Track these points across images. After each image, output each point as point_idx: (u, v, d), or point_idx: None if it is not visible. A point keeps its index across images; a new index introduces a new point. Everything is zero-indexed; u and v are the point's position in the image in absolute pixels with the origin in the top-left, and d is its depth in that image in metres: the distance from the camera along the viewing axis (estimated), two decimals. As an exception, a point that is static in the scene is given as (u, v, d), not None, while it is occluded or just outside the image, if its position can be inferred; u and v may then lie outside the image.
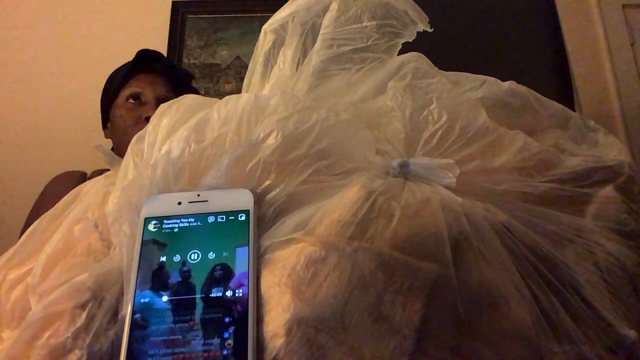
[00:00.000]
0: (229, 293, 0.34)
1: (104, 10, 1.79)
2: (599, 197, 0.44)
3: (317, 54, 0.51)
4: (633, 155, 0.49)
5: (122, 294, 0.37)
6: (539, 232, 0.40)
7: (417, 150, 0.44)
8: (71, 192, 0.54)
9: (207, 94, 1.68)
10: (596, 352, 0.35)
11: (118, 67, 1.11)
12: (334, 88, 0.51)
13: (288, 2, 0.55)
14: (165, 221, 0.38)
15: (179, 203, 0.39)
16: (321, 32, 0.51)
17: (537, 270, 0.38)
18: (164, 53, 1.38)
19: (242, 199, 0.39)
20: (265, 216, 0.39)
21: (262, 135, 0.40)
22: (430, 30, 0.52)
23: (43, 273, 0.41)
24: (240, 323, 0.33)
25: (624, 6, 1.73)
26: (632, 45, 1.69)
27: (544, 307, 0.36)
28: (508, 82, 0.52)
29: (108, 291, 0.38)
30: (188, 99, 0.48)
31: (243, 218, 0.38)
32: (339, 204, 0.38)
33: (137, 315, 0.34)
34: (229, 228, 0.38)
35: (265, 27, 0.56)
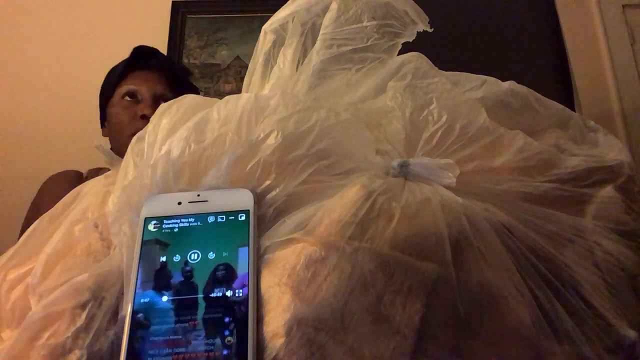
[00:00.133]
0: (229, 293, 0.34)
1: (104, 10, 1.79)
2: (599, 197, 0.44)
3: (317, 54, 0.51)
4: (633, 155, 0.49)
5: (122, 294, 0.37)
6: (539, 232, 0.40)
7: (417, 150, 0.44)
8: (71, 192, 0.54)
9: (207, 94, 1.68)
10: (596, 352, 0.35)
11: (115, 64, 1.11)
12: (334, 88, 0.51)
13: (288, 2, 0.55)
14: (165, 221, 0.38)
15: (179, 203, 0.39)
16: (321, 32, 0.51)
17: (537, 270, 0.38)
18: (164, 53, 1.37)
19: (242, 199, 0.39)
20: (265, 216, 0.39)
21: (262, 135, 0.40)
22: (430, 30, 0.52)
23: (43, 273, 0.41)
24: (241, 323, 0.33)
25: (624, 6, 1.73)
26: (632, 45, 1.69)
27: (544, 307, 0.36)
28: (508, 82, 0.52)
29: (108, 291, 0.38)
30: (188, 99, 0.48)
31: (243, 218, 0.38)
32: (339, 204, 0.38)
33: (137, 315, 0.34)
34: (229, 228, 0.38)
35: (265, 27, 0.56)
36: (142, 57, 1.09)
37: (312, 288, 0.33)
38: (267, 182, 0.40)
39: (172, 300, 0.34)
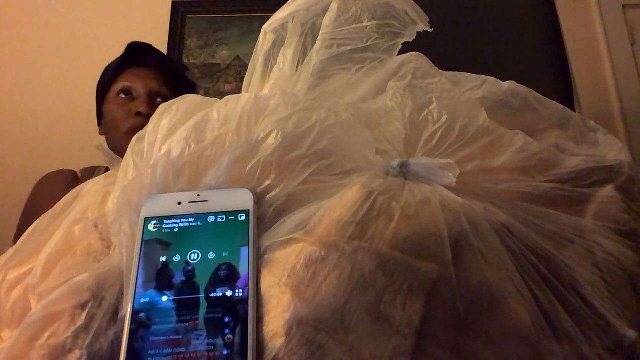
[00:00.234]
0: (231, 293, 0.34)
1: (103, 10, 1.79)
2: (599, 197, 0.44)
3: (317, 54, 0.51)
4: (633, 155, 0.49)
5: (122, 294, 0.37)
6: (539, 232, 0.40)
7: (417, 150, 0.44)
8: (71, 192, 0.54)
9: (207, 94, 1.68)
10: (596, 352, 0.35)
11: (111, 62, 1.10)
12: (334, 88, 0.51)
13: (288, 2, 0.55)
14: (165, 221, 0.38)
15: (179, 203, 0.39)
16: (321, 32, 0.51)
17: (537, 270, 0.38)
18: (164, 53, 1.37)
19: (242, 199, 0.39)
20: (265, 216, 0.39)
21: (262, 135, 0.40)
22: (430, 30, 0.52)
23: (43, 273, 0.41)
24: (241, 323, 0.33)
25: (624, 6, 1.73)
26: (632, 45, 1.69)
27: (544, 307, 0.36)
28: (508, 82, 0.52)
29: (108, 291, 0.38)
30: (188, 99, 0.48)
31: (243, 218, 0.38)
32: (339, 204, 0.38)
33: (138, 315, 0.34)
34: (229, 228, 0.38)
35: (265, 27, 0.56)
36: (137, 54, 1.08)
37: (312, 288, 0.33)
38: (267, 182, 0.40)
39: (173, 300, 0.34)
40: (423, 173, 0.41)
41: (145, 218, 0.38)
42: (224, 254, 0.36)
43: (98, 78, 1.12)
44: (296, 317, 0.32)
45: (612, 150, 0.49)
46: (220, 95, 1.63)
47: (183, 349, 0.32)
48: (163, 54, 1.17)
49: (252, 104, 0.43)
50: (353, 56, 0.51)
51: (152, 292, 0.35)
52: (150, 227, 0.38)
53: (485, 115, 0.45)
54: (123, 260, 0.38)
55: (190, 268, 0.36)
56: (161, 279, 0.35)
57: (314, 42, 0.52)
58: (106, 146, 0.93)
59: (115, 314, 0.37)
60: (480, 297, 0.35)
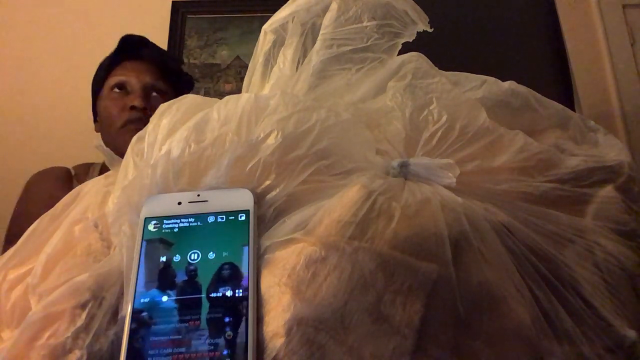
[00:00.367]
0: (229, 293, 0.34)
1: (103, 10, 1.79)
2: (599, 197, 0.44)
3: (317, 54, 0.51)
4: (633, 155, 0.49)
5: (122, 294, 0.37)
6: (539, 232, 0.40)
7: (417, 150, 0.44)
8: (71, 192, 0.54)
9: (207, 94, 1.68)
10: (596, 352, 0.35)
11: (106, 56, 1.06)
12: (334, 88, 0.51)
13: (288, 2, 0.55)
14: (165, 221, 0.38)
15: (179, 203, 0.39)
16: (321, 32, 0.51)
17: (537, 270, 0.38)
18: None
19: (242, 199, 0.39)
20: (265, 216, 0.39)
21: (262, 135, 0.40)
22: (430, 30, 0.52)
23: (43, 273, 0.41)
24: (241, 323, 0.33)
25: (624, 6, 1.73)
26: (632, 45, 1.69)
27: (544, 307, 0.36)
28: (508, 82, 0.52)
29: (108, 291, 0.38)
30: (188, 99, 0.48)
31: (243, 218, 0.38)
32: (339, 204, 0.38)
33: (138, 315, 0.34)
34: (229, 228, 0.38)
35: (265, 27, 0.56)
36: (131, 47, 1.05)
37: (312, 288, 0.33)
38: (267, 182, 0.40)
39: (175, 300, 0.34)
40: (423, 173, 0.41)
41: (145, 218, 0.38)
42: (224, 254, 0.36)
43: (98, 78, 1.11)
44: (296, 317, 0.32)
45: (612, 150, 0.49)
46: (220, 95, 1.63)
47: (183, 349, 0.32)
48: (158, 46, 1.12)
49: (252, 104, 0.43)
50: (353, 56, 0.51)
51: (153, 292, 0.35)
52: (150, 227, 0.38)
53: (485, 115, 0.45)
54: (123, 260, 0.38)
55: (192, 267, 0.36)
56: (163, 278, 0.35)
57: (314, 42, 0.52)
58: (111, 149, 0.92)
59: (115, 314, 0.37)
60: (480, 297, 0.35)
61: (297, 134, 0.40)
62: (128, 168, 0.44)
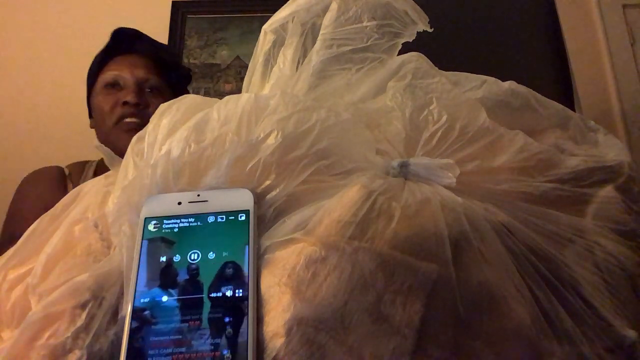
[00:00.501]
0: (229, 293, 0.34)
1: (103, 9, 1.79)
2: (599, 197, 0.44)
3: (317, 54, 0.51)
4: (633, 155, 0.49)
5: (122, 294, 0.37)
6: (539, 232, 0.40)
7: (417, 150, 0.44)
8: (71, 192, 0.54)
9: (207, 94, 1.68)
10: (596, 352, 0.35)
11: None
12: (334, 88, 0.51)
13: (288, 2, 0.55)
14: (165, 221, 0.38)
15: (179, 203, 0.39)
16: (321, 32, 0.51)
17: (537, 270, 0.38)
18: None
19: (242, 199, 0.39)
20: (265, 216, 0.39)
21: (262, 135, 0.40)
22: (430, 30, 0.52)
23: (43, 273, 0.41)
24: (242, 323, 0.33)
25: (624, 6, 1.73)
26: (632, 45, 1.70)
27: (544, 307, 0.36)
28: (508, 82, 0.52)
29: (108, 291, 0.38)
30: (188, 99, 0.48)
31: (243, 218, 0.38)
32: (339, 204, 0.38)
33: (138, 315, 0.34)
34: (229, 228, 0.38)
35: (265, 27, 0.56)
36: (124, 40, 1.01)
37: (312, 288, 0.33)
38: (267, 182, 0.40)
39: (175, 299, 0.34)
40: (423, 173, 0.41)
41: (145, 218, 0.38)
42: (224, 254, 0.36)
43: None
44: (296, 317, 0.32)
45: (612, 150, 0.49)
46: (220, 95, 1.63)
47: (184, 349, 0.32)
48: (153, 39, 1.08)
49: (252, 104, 0.43)
50: (353, 56, 0.51)
51: (153, 291, 0.35)
52: (150, 227, 0.38)
53: (485, 115, 0.45)
54: (123, 260, 0.38)
55: (194, 267, 0.36)
56: (163, 278, 0.35)
57: (314, 42, 0.52)
58: (106, 146, 0.91)
59: (115, 314, 0.37)
60: (480, 297, 0.35)
61: (297, 134, 0.40)
62: (128, 168, 0.44)
